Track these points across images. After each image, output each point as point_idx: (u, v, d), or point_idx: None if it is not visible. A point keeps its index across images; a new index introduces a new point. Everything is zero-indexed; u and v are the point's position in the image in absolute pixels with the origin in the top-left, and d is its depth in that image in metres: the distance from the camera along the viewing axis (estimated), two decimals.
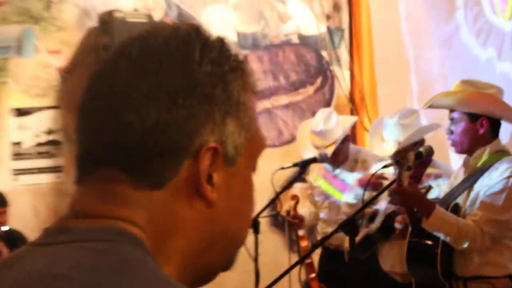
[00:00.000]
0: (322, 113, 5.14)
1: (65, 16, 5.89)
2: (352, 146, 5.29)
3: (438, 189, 4.29)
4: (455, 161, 4.67)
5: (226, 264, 1.09)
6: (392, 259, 4.45)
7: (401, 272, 4.33)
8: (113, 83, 1.02)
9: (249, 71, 1.06)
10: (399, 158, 3.78)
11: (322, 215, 5.26)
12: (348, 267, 4.84)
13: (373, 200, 4.06)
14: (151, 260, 0.96)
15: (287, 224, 5.21)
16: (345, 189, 5.06)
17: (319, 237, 5.20)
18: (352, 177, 5.06)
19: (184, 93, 0.99)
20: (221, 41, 1.04)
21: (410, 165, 3.79)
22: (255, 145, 1.06)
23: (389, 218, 4.22)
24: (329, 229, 4.77)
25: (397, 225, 4.16)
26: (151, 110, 0.98)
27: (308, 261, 5.06)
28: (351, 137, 5.33)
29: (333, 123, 5.07)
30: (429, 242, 3.84)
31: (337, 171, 5.13)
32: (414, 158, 3.90)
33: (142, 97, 0.99)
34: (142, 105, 0.98)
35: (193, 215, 1.01)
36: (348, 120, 5.25)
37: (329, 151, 4.96)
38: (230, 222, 1.05)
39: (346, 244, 4.11)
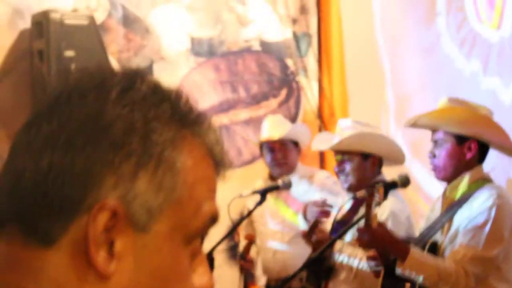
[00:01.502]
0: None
1: None
2: (303, 166, 5.45)
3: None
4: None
5: None
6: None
7: None
8: (24, 126, 1.00)
9: (203, 134, 0.99)
10: (365, 195, 3.73)
11: (273, 244, 5.24)
12: None
13: (341, 236, 4.00)
14: None
15: (240, 268, 5.19)
16: (293, 205, 5.21)
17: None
18: (297, 190, 5.16)
19: (87, 136, 0.94)
20: (155, 87, 0.99)
21: (380, 201, 3.76)
22: (186, 214, 0.98)
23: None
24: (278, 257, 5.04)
25: (370, 263, 4.09)
26: (46, 154, 0.93)
27: None
28: (300, 151, 5.33)
29: (288, 124, 5.44)
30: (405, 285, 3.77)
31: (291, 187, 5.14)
32: (386, 190, 3.85)
33: (41, 139, 0.95)
34: (39, 148, 0.94)
35: None
36: (305, 130, 5.45)
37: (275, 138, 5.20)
38: None
39: None
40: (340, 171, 4.47)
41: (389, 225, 4.07)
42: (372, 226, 3.61)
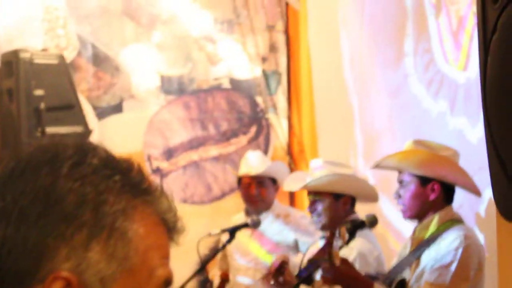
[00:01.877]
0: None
1: None
2: (280, 204, 5.46)
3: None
4: None
5: None
6: None
7: None
8: None
9: (153, 203, 1.00)
10: (327, 234, 3.76)
11: (241, 279, 5.23)
12: None
13: (309, 276, 4.01)
14: None
15: None
16: (264, 244, 5.20)
17: None
18: (271, 229, 5.19)
19: (39, 210, 0.95)
20: (106, 160, 1.01)
21: (343, 243, 3.78)
22: (140, 281, 0.99)
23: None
24: None
25: None
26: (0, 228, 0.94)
27: None
28: (278, 188, 5.35)
29: (267, 160, 5.46)
30: None
31: (262, 223, 5.13)
32: (354, 230, 3.88)
33: None
34: None
35: None
36: (283, 168, 5.47)
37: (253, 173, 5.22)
38: None
39: None
40: (312, 211, 4.50)
41: (357, 265, 4.09)
42: (334, 263, 3.63)
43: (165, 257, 1.04)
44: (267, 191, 5.28)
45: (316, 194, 4.49)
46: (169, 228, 1.04)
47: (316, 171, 4.56)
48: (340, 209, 4.47)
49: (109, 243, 0.97)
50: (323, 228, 4.43)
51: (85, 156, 1.01)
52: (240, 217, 5.36)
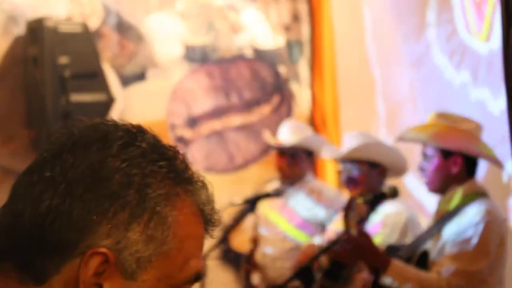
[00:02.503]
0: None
1: None
2: (314, 179, 5.42)
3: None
4: None
5: None
6: None
7: None
8: (27, 170, 1.05)
9: (195, 193, 1.02)
10: (346, 207, 3.79)
11: (268, 250, 5.25)
12: None
13: (330, 249, 4.04)
14: None
15: (243, 271, 5.21)
16: (293, 219, 5.12)
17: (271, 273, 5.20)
18: (302, 204, 5.12)
19: (86, 185, 0.98)
20: (154, 144, 1.05)
21: (363, 215, 3.82)
22: (174, 267, 1.02)
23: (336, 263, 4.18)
24: (277, 265, 4.96)
25: (364, 275, 4.13)
26: (46, 198, 0.98)
27: None
28: (313, 161, 5.35)
29: (305, 131, 5.36)
30: None
31: (288, 194, 5.14)
32: (375, 201, 3.91)
33: (42, 184, 1.00)
34: (39, 192, 0.99)
35: None
36: (319, 140, 5.45)
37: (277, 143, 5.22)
38: None
39: None
40: (349, 180, 4.55)
41: (381, 228, 4.15)
42: (352, 234, 3.66)
43: (200, 248, 1.07)
44: (299, 164, 5.25)
45: (353, 163, 4.56)
46: (206, 220, 1.07)
47: (351, 140, 4.61)
48: (375, 178, 4.52)
49: (149, 226, 1.00)
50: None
51: (134, 139, 1.05)
52: (273, 185, 5.39)
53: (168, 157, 1.07)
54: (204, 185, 1.10)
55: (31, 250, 0.98)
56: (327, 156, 5.08)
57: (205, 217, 1.07)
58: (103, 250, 0.97)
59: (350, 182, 4.55)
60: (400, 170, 4.61)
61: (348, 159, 4.55)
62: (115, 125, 1.07)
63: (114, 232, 0.98)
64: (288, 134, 5.28)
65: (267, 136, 5.60)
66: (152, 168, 1.03)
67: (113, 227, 0.98)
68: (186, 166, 1.09)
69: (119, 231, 0.98)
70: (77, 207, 0.97)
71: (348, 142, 4.62)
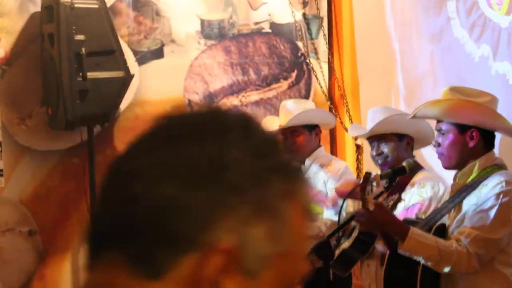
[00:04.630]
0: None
1: (4, 0, 5.78)
2: (324, 153, 5.44)
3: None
4: None
5: None
6: (369, 278, 4.44)
7: None
8: (132, 149, 1.00)
9: (303, 189, 0.99)
10: (363, 182, 3.80)
11: None
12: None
13: (348, 223, 4.06)
14: None
15: None
16: (316, 197, 5.13)
17: None
18: (315, 178, 5.18)
19: (207, 176, 0.92)
20: (272, 139, 0.99)
21: (382, 189, 3.84)
22: (290, 267, 0.97)
23: (364, 232, 4.21)
24: None
25: (379, 247, 4.16)
26: (164, 185, 0.92)
27: None
28: (319, 133, 5.34)
29: (302, 106, 5.37)
30: (407, 270, 3.82)
31: (307, 172, 5.16)
32: (394, 175, 3.93)
33: (157, 168, 0.93)
34: (155, 177, 0.93)
35: None
36: (319, 112, 5.53)
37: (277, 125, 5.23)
38: None
39: None
40: (378, 154, 4.57)
41: (411, 193, 4.18)
42: (368, 208, 3.68)
43: (306, 251, 1.04)
44: (302, 140, 5.27)
45: (380, 137, 4.56)
46: (309, 219, 1.01)
47: (376, 115, 4.62)
48: (403, 149, 4.54)
49: (271, 224, 0.94)
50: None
51: (250, 130, 0.98)
52: None
53: (283, 154, 0.99)
54: (306, 181, 1.02)
55: (145, 241, 0.92)
56: (354, 135, 5.11)
57: (309, 216, 1.01)
58: (227, 245, 0.91)
59: (380, 158, 4.56)
60: (427, 140, 4.61)
61: (376, 135, 4.56)
62: (229, 114, 1.00)
63: (237, 228, 0.92)
64: (282, 114, 5.33)
65: (264, 122, 5.61)
66: (271, 163, 0.96)
67: (236, 222, 0.92)
68: (297, 165, 1.02)
69: (242, 226, 0.92)
70: (199, 198, 0.91)
71: (373, 118, 4.63)
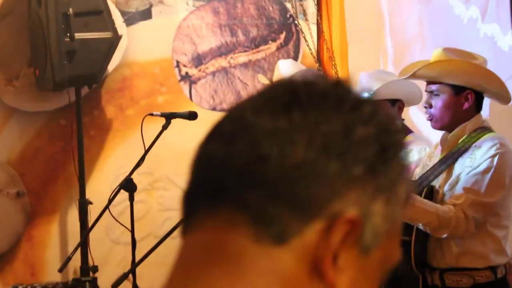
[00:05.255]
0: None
1: None
2: None
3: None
4: None
5: None
6: None
7: None
8: (255, 104, 0.97)
9: (407, 178, 0.98)
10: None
11: None
12: None
13: None
14: None
15: None
16: None
17: None
18: None
19: (342, 144, 0.91)
20: (391, 118, 0.98)
21: None
22: (392, 249, 0.97)
23: None
24: None
25: None
26: (297, 147, 0.90)
27: None
28: None
29: (300, 67, 5.40)
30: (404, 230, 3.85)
31: None
32: None
33: (290, 129, 0.91)
34: (288, 138, 0.91)
35: None
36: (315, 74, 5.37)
37: None
38: None
39: None
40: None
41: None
42: None
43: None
44: None
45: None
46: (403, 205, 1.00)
47: (366, 81, 4.58)
48: (395, 114, 4.49)
49: (389, 202, 0.93)
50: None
51: (376, 107, 0.97)
52: None
53: (399, 130, 0.98)
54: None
55: (275, 201, 0.89)
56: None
57: (403, 200, 0.99)
58: (354, 217, 0.89)
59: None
60: (415, 101, 4.62)
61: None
62: (354, 89, 0.97)
63: (362, 201, 0.90)
64: (283, 71, 5.29)
65: (261, 79, 5.60)
66: (394, 141, 0.95)
67: (361, 195, 0.90)
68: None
69: (367, 200, 0.91)
70: (332, 166, 0.89)
71: (366, 84, 4.59)
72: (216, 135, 0.96)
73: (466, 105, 3.86)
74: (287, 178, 0.89)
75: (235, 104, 1.00)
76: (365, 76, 4.70)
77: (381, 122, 0.95)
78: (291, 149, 0.90)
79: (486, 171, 3.74)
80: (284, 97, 0.95)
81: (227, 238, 0.90)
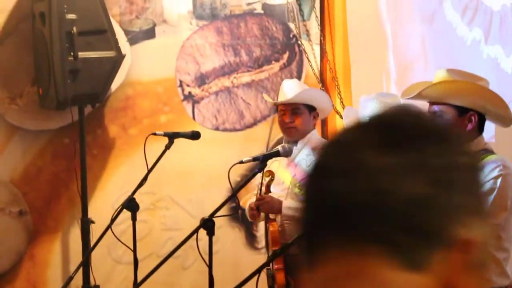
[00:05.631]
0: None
1: None
2: (318, 136, 5.38)
3: None
4: None
5: None
6: None
7: None
8: (360, 140, 1.02)
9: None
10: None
11: None
12: None
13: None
14: None
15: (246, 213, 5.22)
16: (297, 174, 5.18)
17: None
18: (306, 160, 5.18)
19: (446, 175, 0.99)
20: (468, 146, 1.08)
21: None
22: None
23: None
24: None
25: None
26: (410, 182, 0.97)
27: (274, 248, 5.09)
28: (316, 117, 5.34)
29: (304, 88, 5.34)
30: None
31: (294, 152, 5.16)
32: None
33: (400, 166, 0.99)
34: (400, 174, 0.98)
35: None
36: (321, 94, 5.47)
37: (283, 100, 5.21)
38: None
39: None
40: None
41: None
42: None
43: None
44: (302, 119, 5.24)
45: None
46: None
47: (366, 104, 4.60)
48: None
49: (483, 231, 1.02)
50: None
51: (461, 138, 1.08)
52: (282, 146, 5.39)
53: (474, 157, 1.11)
54: None
55: (404, 233, 0.97)
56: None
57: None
58: (471, 239, 0.99)
59: None
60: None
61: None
62: (433, 117, 1.13)
63: (472, 225, 1.00)
64: (287, 90, 5.25)
65: (266, 97, 5.60)
66: (476, 168, 1.08)
67: (472, 220, 1.00)
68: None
69: (474, 222, 1.01)
70: (444, 195, 0.99)
71: (365, 106, 4.60)
72: (328, 171, 1.03)
73: (469, 126, 3.85)
74: (411, 211, 0.98)
75: (336, 139, 1.06)
76: (367, 99, 4.69)
77: (467, 152, 1.06)
78: (411, 183, 0.98)
79: (488, 192, 3.74)
80: (389, 133, 1.02)
81: (367, 267, 0.98)
